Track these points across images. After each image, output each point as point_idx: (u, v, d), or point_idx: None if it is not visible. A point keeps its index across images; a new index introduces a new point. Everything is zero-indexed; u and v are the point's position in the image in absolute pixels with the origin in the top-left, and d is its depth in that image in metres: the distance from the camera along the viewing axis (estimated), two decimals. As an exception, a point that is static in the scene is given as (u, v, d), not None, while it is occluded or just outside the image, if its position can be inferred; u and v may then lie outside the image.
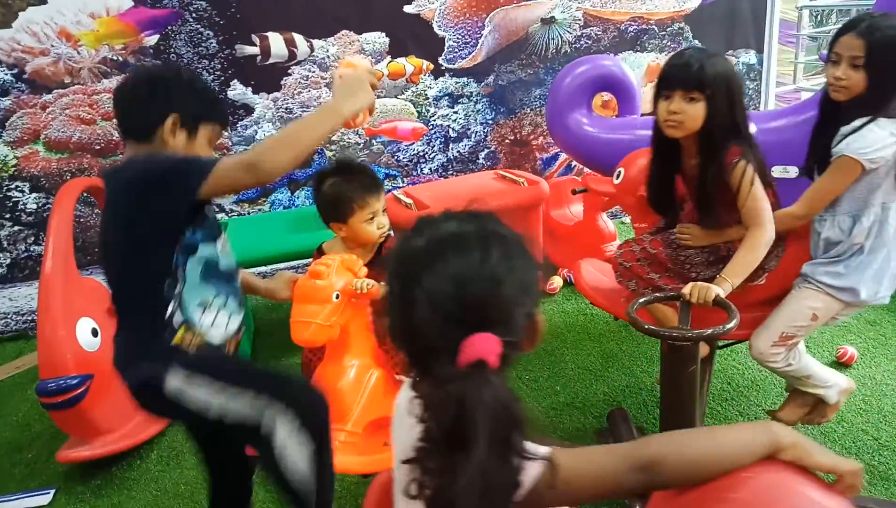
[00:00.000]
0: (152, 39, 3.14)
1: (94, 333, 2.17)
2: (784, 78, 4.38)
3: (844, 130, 1.65)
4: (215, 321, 1.30)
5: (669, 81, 1.70)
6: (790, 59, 4.36)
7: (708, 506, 0.73)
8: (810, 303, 1.74)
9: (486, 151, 3.82)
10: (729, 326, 1.47)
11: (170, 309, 1.23)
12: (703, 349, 1.96)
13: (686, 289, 1.61)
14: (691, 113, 1.67)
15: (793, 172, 2.45)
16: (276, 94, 3.36)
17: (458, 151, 3.77)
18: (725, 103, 1.66)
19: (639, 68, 3.95)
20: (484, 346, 0.72)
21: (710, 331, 1.48)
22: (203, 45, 3.20)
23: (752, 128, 1.76)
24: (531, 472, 0.73)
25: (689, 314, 1.63)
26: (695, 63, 1.65)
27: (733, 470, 0.73)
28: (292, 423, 1.22)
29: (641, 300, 1.60)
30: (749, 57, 4.20)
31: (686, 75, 1.66)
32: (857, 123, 1.63)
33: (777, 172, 2.50)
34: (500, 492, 0.70)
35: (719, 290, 1.60)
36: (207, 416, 1.21)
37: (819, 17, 5.78)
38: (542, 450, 0.74)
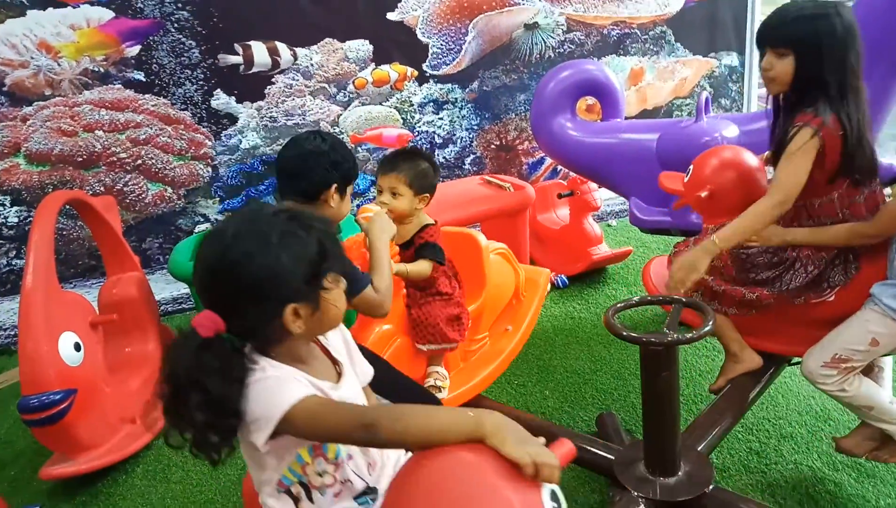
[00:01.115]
0: (134, 50, 3.12)
1: (77, 347, 2.14)
2: (766, 79, 4.43)
3: None
4: None
5: (761, 36, 1.66)
6: (772, 60, 4.41)
7: (410, 465, 0.92)
8: (872, 327, 1.59)
9: (472, 156, 3.82)
10: (704, 331, 1.45)
11: None
12: (756, 362, 1.88)
13: (673, 266, 1.60)
14: (779, 69, 1.62)
15: (769, 172, 2.47)
16: (260, 102, 3.35)
17: (444, 157, 3.77)
18: (814, 60, 1.59)
19: (622, 72, 3.98)
20: (199, 319, 0.95)
21: (683, 336, 1.47)
22: (185, 55, 3.18)
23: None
24: (269, 412, 0.94)
25: (678, 318, 1.63)
26: (784, 17, 1.61)
27: (444, 443, 0.88)
28: None
29: (620, 305, 1.60)
30: (731, 59, 4.24)
31: (772, 30, 1.63)
32: None
33: (760, 173, 2.52)
34: (203, 427, 0.94)
35: (702, 263, 1.60)
36: None
37: (799, 18, 5.84)
38: (290, 398, 0.94)
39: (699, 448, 1.69)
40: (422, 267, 1.84)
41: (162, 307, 3.15)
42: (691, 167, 2.08)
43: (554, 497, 0.85)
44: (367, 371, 1.22)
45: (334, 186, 1.61)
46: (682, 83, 4.18)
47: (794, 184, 1.62)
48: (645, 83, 4.09)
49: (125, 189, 3.22)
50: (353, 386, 1.14)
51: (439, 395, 1.87)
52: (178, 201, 3.33)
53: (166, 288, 3.31)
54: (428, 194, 1.86)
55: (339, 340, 1.17)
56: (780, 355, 1.95)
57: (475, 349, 2.13)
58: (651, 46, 4.02)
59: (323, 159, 1.60)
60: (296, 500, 1.05)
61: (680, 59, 4.13)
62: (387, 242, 1.64)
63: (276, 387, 0.96)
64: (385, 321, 1.86)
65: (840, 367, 1.63)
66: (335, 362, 1.14)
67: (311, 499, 1.05)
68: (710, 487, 1.55)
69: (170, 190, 3.31)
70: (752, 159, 1.97)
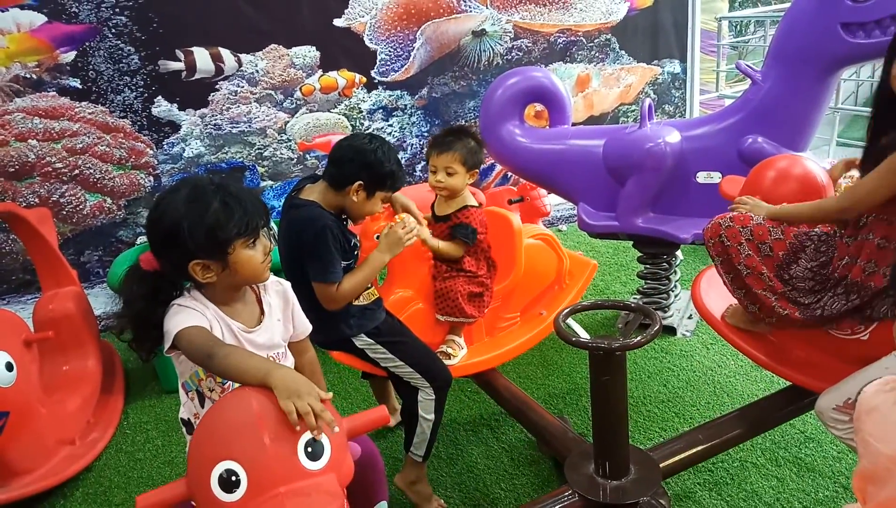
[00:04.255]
0: (69, 56, 3.01)
1: (9, 367, 2.03)
2: (707, 86, 4.55)
3: None
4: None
5: None
6: (712, 67, 4.52)
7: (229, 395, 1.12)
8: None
9: (423, 163, 3.81)
10: (649, 334, 1.48)
11: None
12: None
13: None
14: None
15: (716, 177, 2.53)
16: (204, 110, 3.27)
17: (395, 164, 3.75)
18: None
19: (569, 79, 4.03)
20: (143, 256, 1.27)
21: (629, 341, 1.48)
22: (124, 61, 3.08)
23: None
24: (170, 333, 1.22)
25: (633, 327, 1.65)
26: None
27: (247, 383, 1.10)
28: (429, 397, 1.86)
29: (566, 311, 1.60)
30: (673, 66, 4.35)
31: None
32: None
33: (701, 178, 2.59)
34: (143, 338, 1.29)
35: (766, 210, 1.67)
36: (380, 365, 1.86)
37: (738, 27, 6.04)
38: (181, 324, 1.21)
39: (663, 464, 1.68)
40: (454, 249, 2.01)
41: (102, 323, 3.03)
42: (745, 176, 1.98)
43: (313, 444, 1.02)
44: (305, 327, 1.46)
45: (358, 183, 1.72)
46: (628, 90, 4.27)
47: (865, 198, 1.51)
48: (591, 90, 4.15)
49: (62, 200, 3.09)
50: (272, 334, 1.36)
51: (448, 362, 1.98)
52: (119, 212, 3.22)
53: (107, 303, 3.19)
54: (477, 170, 2.02)
55: (278, 297, 1.40)
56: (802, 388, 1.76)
57: (504, 327, 2.22)
58: (596, 54, 4.09)
59: (359, 158, 1.72)
60: (195, 403, 1.35)
61: (625, 66, 4.21)
62: (386, 259, 1.79)
63: (180, 313, 1.24)
64: (407, 288, 2.05)
65: (851, 413, 1.44)
66: (263, 311, 1.37)
67: (202, 405, 1.33)
68: (644, 498, 1.58)
69: (109, 201, 3.19)
70: (815, 172, 1.88)
